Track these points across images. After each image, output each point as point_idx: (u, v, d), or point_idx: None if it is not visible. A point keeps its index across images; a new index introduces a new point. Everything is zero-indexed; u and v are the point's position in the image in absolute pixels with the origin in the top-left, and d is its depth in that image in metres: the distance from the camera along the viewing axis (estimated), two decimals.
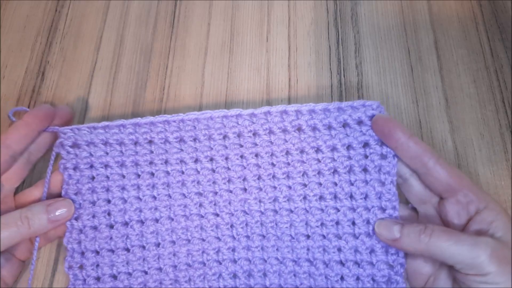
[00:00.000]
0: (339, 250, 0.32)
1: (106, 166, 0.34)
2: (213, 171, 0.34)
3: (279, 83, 0.42)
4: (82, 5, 0.46)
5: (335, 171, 0.33)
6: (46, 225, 0.31)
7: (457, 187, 0.30)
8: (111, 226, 0.34)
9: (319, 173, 0.34)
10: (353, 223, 0.33)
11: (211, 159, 0.34)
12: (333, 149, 0.33)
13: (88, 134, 0.34)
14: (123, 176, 0.34)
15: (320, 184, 0.33)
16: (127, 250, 0.33)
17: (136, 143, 0.35)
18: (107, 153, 0.34)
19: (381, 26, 0.43)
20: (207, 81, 0.42)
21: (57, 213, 0.32)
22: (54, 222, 0.32)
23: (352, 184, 0.33)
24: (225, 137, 0.35)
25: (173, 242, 0.34)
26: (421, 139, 0.38)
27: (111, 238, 0.33)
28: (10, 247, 0.32)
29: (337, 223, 0.33)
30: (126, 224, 0.34)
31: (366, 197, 0.32)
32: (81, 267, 0.33)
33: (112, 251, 0.33)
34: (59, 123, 0.35)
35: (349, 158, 0.33)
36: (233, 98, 0.41)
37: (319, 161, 0.34)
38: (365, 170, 0.33)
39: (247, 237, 0.34)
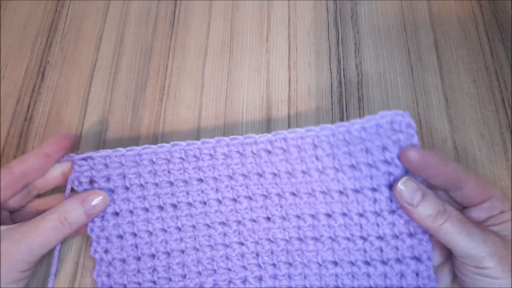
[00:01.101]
0: (368, 276, 0.32)
1: (128, 200, 0.34)
2: (235, 200, 0.34)
3: (279, 83, 0.42)
4: (82, 5, 0.46)
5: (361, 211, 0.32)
6: (84, 219, 0.31)
7: (485, 199, 0.30)
8: (138, 259, 0.34)
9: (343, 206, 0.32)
10: (381, 250, 0.31)
11: (232, 188, 0.34)
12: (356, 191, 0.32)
13: (105, 169, 0.34)
14: (147, 210, 0.34)
15: (345, 214, 0.32)
16: (154, 282, 0.33)
17: (155, 174, 0.34)
18: (127, 188, 0.34)
19: (381, 26, 0.43)
20: (207, 81, 0.42)
21: (93, 203, 0.32)
22: (91, 215, 0.32)
23: (379, 215, 0.32)
24: (243, 165, 0.34)
25: (199, 273, 0.33)
26: (421, 139, 0.38)
27: (138, 270, 0.33)
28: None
29: (365, 250, 0.32)
30: (153, 256, 0.34)
31: (393, 224, 0.31)
32: None
33: (139, 283, 0.33)
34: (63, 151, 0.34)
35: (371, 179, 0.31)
36: (233, 98, 0.41)
37: (341, 193, 0.32)
38: (389, 199, 0.31)
39: (274, 265, 0.33)
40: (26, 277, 0.31)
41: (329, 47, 0.43)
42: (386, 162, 0.31)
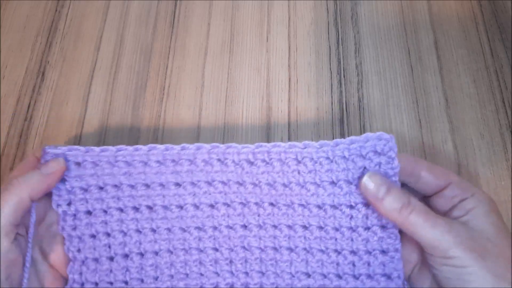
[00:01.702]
0: None
1: (102, 200, 0.33)
2: (212, 206, 0.34)
3: (279, 83, 0.42)
4: (82, 5, 0.46)
5: (337, 225, 0.32)
6: (41, 180, 0.30)
7: (444, 185, 0.31)
8: (111, 259, 0.33)
9: (320, 220, 0.33)
10: (353, 265, 0.32)
11: (210, 194, 0.34)
12: (334, 206, 0.33)
13: (77, 168, 0.33)
14: (121, 210, 0.34)
15: (321, 227, 0.33)
16: (126, 282, 0.33)
17: (130, 175, 0.33)
18: (101, 188, 0.34)
19: (381, 26, 0.43)
20: (207, 81, 0.42)
21: (49, 167, 0.31)
22: (49, 176, 0.31)
23: (354, 231, 0.32)
24: (223, 172, 0.33)
25: (171, 276, 0.33)
26: (421, 139, 0.38)
27: (111, 270, 0.33)
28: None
29: (337, 264, 0.32)
30: (126, 256, 0.33)
31: (367, 241, 0.32)
32: None
33: (111, 283, 0.33)
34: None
35: (350, 215, 0.32)
36: (233, 98, 0.41)
37: (319, 207, 0.33)
38: (365, 216, 0.32)
39: (246, 273, 0.33)
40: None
41: (329, 47, 0.43)
42: (360, 156, 0.32)
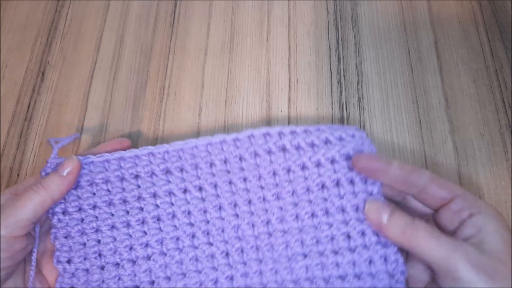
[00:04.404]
0: (337, 265, 0.32)
1: (95, 206, 0.34)
2: (203, 200, 0.34)
3: (279, 83, 0.42)
4: (82, 5, 0.46)
5: (323, 186, 0.33)
6: (61, 182, 0.32)
7: (449, 197, 0.30)
8: (102, 268, 0.33)
9: (307, 190, 0.33)
10: (348, 237, 0.32)
11: (200, 188, 0.34)
12: (318, 164, 0.33)
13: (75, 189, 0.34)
14: (112, 214, 0.34)
15: (310, 201, 0.33)
16: None
17: (122, 179, 0.34)
18: (94, 194, 0.34)
19: (381, 26, 0.43)
20: (207, 81, 0.42)
21: (66, 169, 0.32)
22: (67, 177, 0.32)
23: (342, 198, 0.32)
24: (211, 164, 0.34)
25: (168, 278, 0.33)
26: (421, 139, 0.38)
27: (103, 281, 0.33)
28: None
29: (332, 238, 0.32)
30: (117, 264, 0.33)
31: (357, 209, 0.32)
32: None
33: None
34: None
35: (335, 171, 0.33)
36: (233, 98, 0.41)
37: (306, 178, 0.33)
38: (352, 182, 0.33)
39: (244, 263, 0.33)
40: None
41: (329, 47, 0.43)
42: (340, 139, 0.33)
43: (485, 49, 0.42)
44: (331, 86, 0.41)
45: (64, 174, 0.32)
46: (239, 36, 0.44)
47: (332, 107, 0.40)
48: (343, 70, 0.42)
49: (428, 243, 0.27)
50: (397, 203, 0.33)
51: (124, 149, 0.35)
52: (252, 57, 0.43)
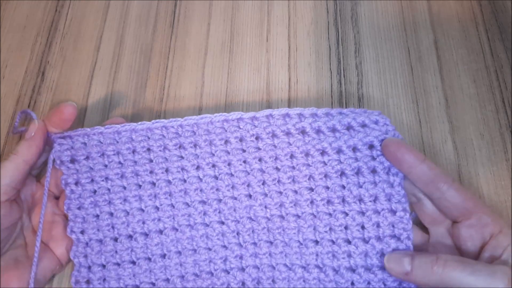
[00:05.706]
0: (349, 255, 0.32)
1: (107, 178, 0.34)
2: (216, 178, 0.33)
3: (279, 83, 0.42)
4: (82, 5, 0.46)
5: (342, 174, 0.33)
6: (28, 144, 0.33)
7: (472, 211, 0.29)
8: (116, 240, 0.33)
9: (325, 176, 0.33)
10: (363, 227, 0.32)
11: (213, 166, 0.34)
12: (339, 151, 0.33)
13: (84, 148, 0.34)
14: (124, 188, 0.34)
15: (328, 187, 0.32)
16: (133, 263, 0.33)
17: (134, 151, 0.34)
18: (106, 166, 0.34)
19: (381, 26, 0.43)
20: (207, 81, 0.42)
21: (30, 132, 0.33)
22: (33, 138, 0.33)
23: (360, 187, 0.32)
24: (226, 142, 0.34)
25: (179, 253, 0.33)
26: (421, 139, 0.38)
27: (116, 251, 0.33)
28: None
29: (346, 227, 0.32)
30: (130, 237, 0.33)
31: (375, 199, 0.32)
32: (88, 281, 0.33)
33: (118, 264, 0.33)
34: (58, 120, 0.34)
35: (356, 160, 0.32)
36: (233, 98, 0.41)
37: (325, 163, 0.33)
38: (373, 171, 0.32)
39: (254, 244, 0.33)
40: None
41: (329, 47, 0.43)
42: (363, 125, 0.33)
43: (485, 49, 0.42)
44: (331, 86, 0.41)
45: (28, 137, 0.33)
46: (239, 36, 0.44)
47: (332, 107, 0.40)
48: (343, 70, 0.42)
49: (463, 273, 0.27)
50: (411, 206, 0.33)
51: None
52: (252, 57, 0.43)
